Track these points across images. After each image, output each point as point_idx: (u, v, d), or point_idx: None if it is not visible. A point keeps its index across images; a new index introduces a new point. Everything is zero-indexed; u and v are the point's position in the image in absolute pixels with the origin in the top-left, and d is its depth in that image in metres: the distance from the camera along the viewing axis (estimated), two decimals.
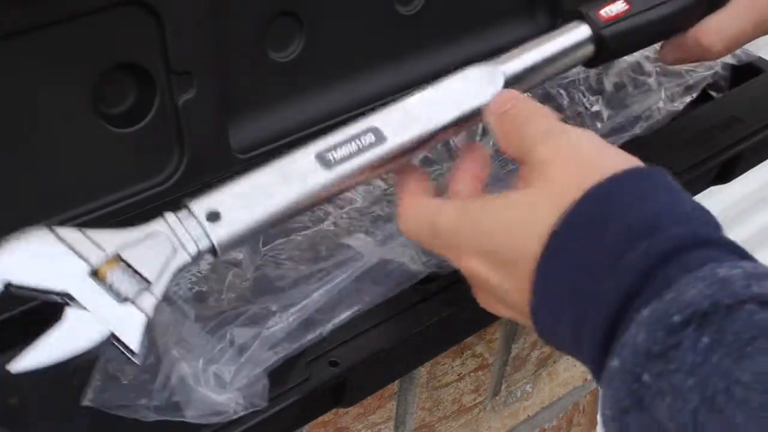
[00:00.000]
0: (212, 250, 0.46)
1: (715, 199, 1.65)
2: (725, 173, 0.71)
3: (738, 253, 0.38)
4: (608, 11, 0.58)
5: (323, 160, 0.49)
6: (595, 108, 0.70)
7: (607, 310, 0.38)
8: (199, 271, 0.54)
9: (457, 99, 0.51)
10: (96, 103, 0.52)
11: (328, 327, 0.51)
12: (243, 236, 0.47)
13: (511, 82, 0.53)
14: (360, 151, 0.49)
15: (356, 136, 0.50)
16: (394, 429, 0.76)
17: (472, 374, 0.80)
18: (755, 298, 0.34)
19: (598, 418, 0.36)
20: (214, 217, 0.46)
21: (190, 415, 0.46)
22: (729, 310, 0.34)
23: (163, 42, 0.52)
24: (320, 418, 0.63)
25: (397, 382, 0.71)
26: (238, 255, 0.54)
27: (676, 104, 0.71)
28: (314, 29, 0.61)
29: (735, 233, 1.81)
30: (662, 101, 0.70)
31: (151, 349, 0.48)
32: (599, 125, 0.69)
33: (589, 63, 0.59)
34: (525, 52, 0.55)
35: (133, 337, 0.43)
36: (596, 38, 0.57)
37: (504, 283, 0.43)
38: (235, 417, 0.46)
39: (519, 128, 0.47)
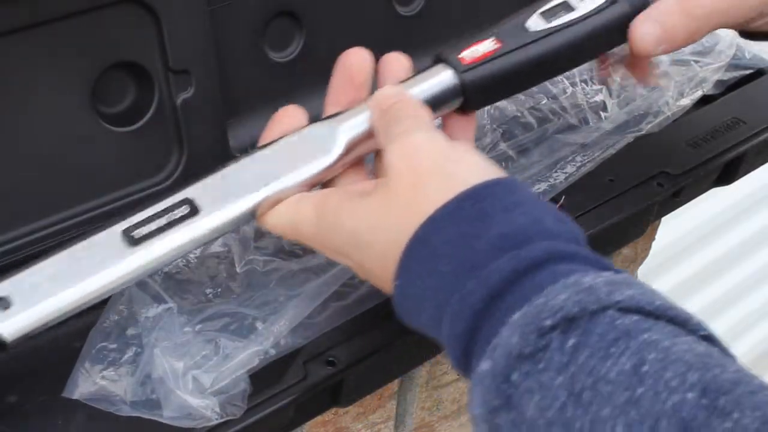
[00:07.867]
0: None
1: (715, 199, 1.65)
2: (727, 175, 0.71)
3: (599, 265, 0.41)
4: (473, 52, 0.51)
5: (129, 237, 0.45)
6: (599, 98, 0.69)
7: (471, 307, 0.40)
8: (186, 263, 0.53)
9: (290, 163, 0.48)
10: (94, 102, 0.52)
11: (316, 330, 0.51)
12: (36, 327, 0.43)
13: (358, 139, 0.49)
14: (170, 225, 0.46)
15: (167, 210, 0.46)
16: (394, 429, 0.76)
17: None
18: (616, 304, 0.37)
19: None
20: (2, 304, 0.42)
21: (167, 416, 0.46)
22: (593, 315, 0.37)
23: (162, 40, 0.52)
24: (319, 418, 0.63)
25: (396, 381, 0.71)
26: (226, 247, 0.54)
27: (685, 100, 0.70)
28: (313, 29, 0.61)
29: (735, 233, 1.80)
30: (671, 97, 0.69)
31: (135, 338, 0.48)
32: (603, 116, 0.68)
33: (461, 110, 0.53)
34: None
35: None
36: (461, 84, 0.51)
37: (368, 275, 0.46)
38: (210, 425, 0.46)
39: (392, 123, 0.47)
